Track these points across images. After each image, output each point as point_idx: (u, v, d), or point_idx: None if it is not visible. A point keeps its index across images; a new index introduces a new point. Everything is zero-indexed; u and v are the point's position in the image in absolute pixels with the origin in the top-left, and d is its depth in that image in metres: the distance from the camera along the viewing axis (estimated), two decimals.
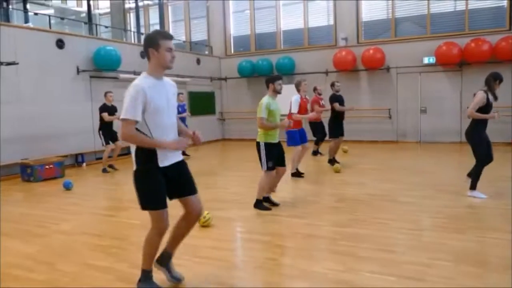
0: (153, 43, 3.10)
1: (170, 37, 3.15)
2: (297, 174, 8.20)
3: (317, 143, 11.21)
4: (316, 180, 8.13)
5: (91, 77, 11.56)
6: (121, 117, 2.97)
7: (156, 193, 3.13)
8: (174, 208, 3.40)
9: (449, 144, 12.90)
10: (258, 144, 5.80)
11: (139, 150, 3.11)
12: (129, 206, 6.54)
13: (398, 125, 13.97)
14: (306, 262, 3.97)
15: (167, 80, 3.30)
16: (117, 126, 9.95)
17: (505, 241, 4.31)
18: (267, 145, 5.74)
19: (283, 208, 5.95)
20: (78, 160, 11.17)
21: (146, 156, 3.10)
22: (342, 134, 9.47)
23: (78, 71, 11.15)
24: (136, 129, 3.02)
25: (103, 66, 11.56)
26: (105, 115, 9.66)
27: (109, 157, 9.97)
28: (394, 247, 4.29)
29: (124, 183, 8.74)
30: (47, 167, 9.11)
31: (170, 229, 3.42)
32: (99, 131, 9.80)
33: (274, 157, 5.76)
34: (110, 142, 9.81)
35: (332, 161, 9.30)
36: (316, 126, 10.76)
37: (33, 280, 3.76)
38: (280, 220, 5.40)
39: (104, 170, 9.80)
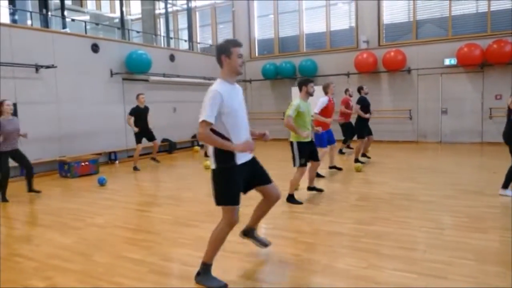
0: (226, 50, 3.34)
1: (240, 45, 3.39)
2: (333, 167, 8.62)
3: (345, 142, 11.30)
4: (338, 179, 8.07)
5: (123, 79, 11.77)
6: (200, 119, 3.16)
7: (233, 191, 3.33)
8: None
9: (470, 144, 12.59)
10: (291, 143, 6.02)
11: (218, 150, 3.28)
12: (162, 202, 6.64)
13: (418, 125, 13.72)
14: (329, 258, 3.95)
15: (237, 85, 3.52)
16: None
17: None
18: (300, 144, 5.96)
19: (307, 206, 5.93)
20: (111, 157, 11.39)
21: (226, 155, 3.28)
22: (370, 133, 9.76)
23: (111, 74, 11.37)
24: (214, 130, 3.22)
25: (134, 69, 11.75)
26: (129, 119, 9.74)
27: (146, 154, 10.26)
28: (416, 245, 4.23)
29: (155, 180, 8.87)
30: (82, 164, 9.33)
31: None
32: (134, 131, 9.87)
33: (306, 154, 6.00)
34: (142, 141, 9.94)
35: (357, 160, 9.33)
36: (347, 127, 10.81)
37: (70, 270, 3.86)
38: (304, 218, 5.39)
39: (135, 168, 9.94)
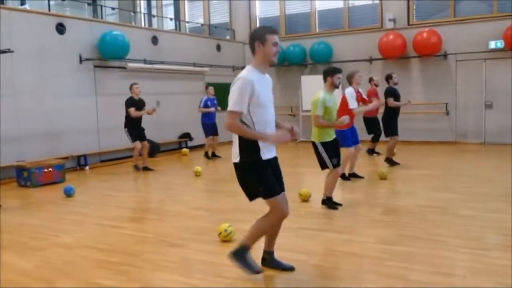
0: (260, 36, 3.69)
1: (276, 32, 3.76)
2: (350, 176, 8.64)
3: (374, 141, 11.41)
4: (358, 188, 8.08)
5: (95, 66, 11.81)
6: (229, 109, 3.57)
7: (269, 181, 3.72)
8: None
9: None
10: (314, 144, 6.26)
11: (243, 143, 3.67)
12: (141, 216, 6.65)
13: (457, 123, 13.73)
14: (346, 285, 3.95)
15: (268, 75, 3.88)
16: (145, 123, 10.49)
17: None
18: (324, 144, 6.20)
19: (319, 221, 5.94)
20: (80, 163, 11.42)
21: (251, 148, 3.67)
22: (397, 133, 9.81)
23: (80, 60, 11.41)
24: (241, 121, 3.61)
25: (109, 54, 11.79)
26: (132, 110, 10.11)
27: (131, 156, 10.65)
28: (453, 269, 4.23)
29: (134, 189, 8.88)
30: (45, 170, 9.35)
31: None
32: (125, 128, 10.22)
33: (336, 153, 6.34)
34: (139, 140, 10.29)
35: (389, 160, 9.49)
36: (373, 123, 10.89)
37: None
38: (315, 235, 5.38)
39: (137, 167, 10.47)
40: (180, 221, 6.29)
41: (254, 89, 3.57)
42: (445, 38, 13.43)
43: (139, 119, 10.31)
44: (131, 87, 10.33)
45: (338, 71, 6.30)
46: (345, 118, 6.31)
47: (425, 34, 13.39)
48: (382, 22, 14.63)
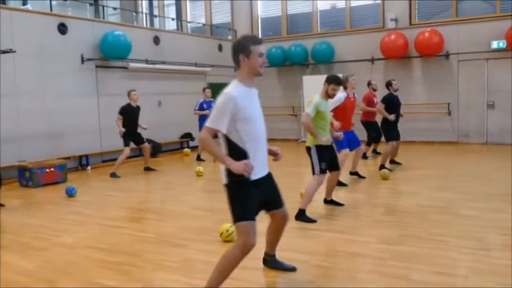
0: (244, 49, 3.47)
1: (260, 42, 3.53)
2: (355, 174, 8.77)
3: (370, 144, 11.24)
4: (360, 188, 8.08)
5: (97, 66, 11.83)
6: (205, 124, 3.40)
7: (247, 204, 3.51)
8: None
9: None
10: (308, 148, 6.11)
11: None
12: (143, 216, 6.66)
13: (459, 122, 13.71)
14: (348, 285, 3.95)
15: (254, 88, 3.66)
16: (146, 123, 10.42)
17: None
18: (319, 148, 6.03)
19: (322, 222, 5.93)
20: (82, 163, 11.44)
21: None
22: (397, 137, 9.64)
23: (82, 60, 11.43)
24: (229, 139, 3.46)
25: (110, 54, 11.80)
26: (118, 119, 9.98)
27: (137, 156, 10.59)
28: (455, 269, 4.23)
29: (135, 189, 8.89)
30: (47, 170, 9.37)
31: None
32: (120, 132, 10.04)
33: (326, 159, 6.07)
34: (131, 144, 10.15)
35: (383, 167, 9.15)
36: (370, 126, 10.79)
37: None
38: (318, 236, 5.39)
39: (113, 175, 10.00)
40: (182, 221, 6.29)
41: (238, 105, 3.36)
42: (447, 38, 13.40)
43: (135, 124, 10.18)
44: (129, 94, 10.20)
45: (338, 82, 6.09)
46: (329, 139, 6.07)
47: (427, 34, 13.37)
48: (384, 22, 14.61)
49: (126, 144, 10.12)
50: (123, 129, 9.97)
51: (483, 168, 9.61)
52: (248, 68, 3.49)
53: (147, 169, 10.68)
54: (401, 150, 11.81)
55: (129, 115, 10.11)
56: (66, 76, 11.06)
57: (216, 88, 12.63)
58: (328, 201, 6.76)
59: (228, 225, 5.20)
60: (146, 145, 10.62)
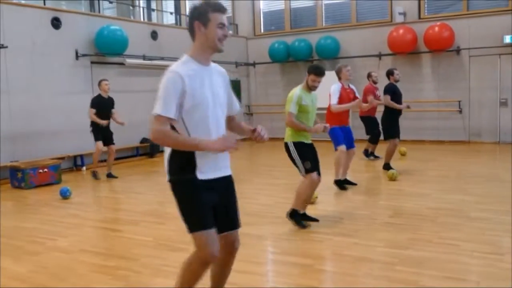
0: (201, 16, 2.95)
1: (223, 10, 3.02)
2: (342, 182, 7.95)
3: (372, 142, 11.07)
4: (366, 189, 8.07)
5: (92, 62, 11.83)
6: (153, 112, 2.87)
7: (200, 209, 3.00)
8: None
9: None
10: (286, 145, 5.84)
11: (173, 155, 2.99)
12: (140, 219, 6.66)
13: (470, 121, 13.69)
14: None
15: (215, 66, 3.17)
16: (113, 126, 9.93)
17: None
18: (298, 144, 5.76)
19: (326, 224, 5.93)
20: (77, 163, 11.45)
21: (181, 163, 2.97)
22: (397, 137, 9.34)
23: (77, 56, 11.44)
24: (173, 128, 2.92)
25: (106, 50, 11.81)
26: (92, 113, 9.49)
27: (102, 160, 9.98)
28: (466, 274, 4.24)
29: (132, 191, 8.90)
30: (40, 171, 9.38)
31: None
32: (90, 127, 9.73)
33: (310, 156, 5.76)
34: (103, 143, 9.73)
35: (388, 166, 9.20)
36: (370, 122, 10.67)
37: None
38: (322, 239, 5.39)
39: (94, 175, 9.85)
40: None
41: (185, 86, 2.86)
42: (457, 33, 13.38)
43: (106, 120, 9.62)
44: (99, 84, 9.71)
45: (317, 73, 5.73)
46: (320, 127, 5.81)
47: (437, 28, 13.35)
48: (391, 15, 14.59)
49: (97, 138, 9.65)
50: (104, 122, 9.47)
51: (496, 169, 9.60)
52: (204, 40, 2.97)
53: (110, 176, 9.98)
54: (409, 149, 11.81)
55: (100, 108, 9.58)
56: (60, 72, 11.07)
57: None
58: (303, 215, 5.97)
59: None
60: (114, 147, 9.98)
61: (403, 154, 11.35)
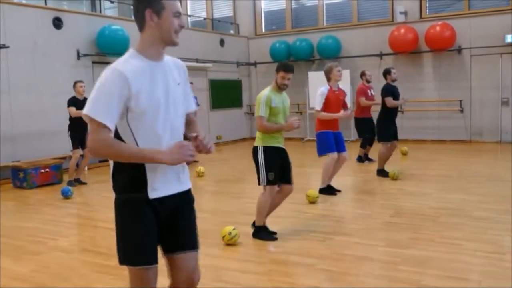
0: (154, 3, 2.44)
1: None
2: (328, 190, 7.51)
3: (364, 146, 10.61)
4: (367, 189, 8.07)
5: (93, 62, 11.85)
6: (87, 114, 2.34)
7: (142, 241, 2.51)
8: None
9: None
10: (255, 149, 5.36)
11: (118, 170, 2.52)
12: None
13: (472, 120, 13.68)
14: None
15: (170, 59, 2.66)
16: None
17: None
18: (268, 150, 5.29)
19: (327, 224, 5.94)
20: (78, 163, 11.42)
21: (130, 180, 2.48)
22: (395, 138, 9.03)
23: (78, 56, 11.44)
24: (118, 136, 2.43)
25: (108, 50, 11.81)
26: (72, 109, 9.02)
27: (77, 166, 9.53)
28: (468, 274, 4.23)
29: None
30: (42, 171, 9.39)
31: None
32: (68, 131, 9.35)
33: (277, 166, 5.30)
34: (80, 147, 9.31)
35: (382, 171, 8.87)
36: (364, 123, 10.26)
37: None
38: (323, 239, 5.38)
39: (70, 183, 9.21)
40: None
41: (129, 87, 2.34)
42: (459, 32, 13.37)
43: (84, 124, 8.89)
44: (74, 85, 9.30)
45: (286, 69, 5.25)
46: (295, 122, 5.21)
47: (438, 28, 13.34)
48: (393, 15, 14.58)
49: (74, 146, 9.18)
50: (75, 112, 8.83)
51: (497, 168, 9.58)
52: (158, 31, 2.48)
53: (77, 181, 9.47)
54: (410, 149, 11.80)
55: (73, 108, 9.10)
56: (61, 72, 11.07)
57: (216, 85, 12.69)
58: (260, 226, 5.51)
59: (230, 228, 5.21)
60: (87, 153, 9.09)
61: (404, 154, 11.38)
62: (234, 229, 5.19)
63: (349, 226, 5.84)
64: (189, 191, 2.66)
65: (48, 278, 4.49)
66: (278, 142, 5.37)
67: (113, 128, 2.35)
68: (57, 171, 9.64)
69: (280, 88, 5.34)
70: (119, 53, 12.07)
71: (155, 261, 2.53)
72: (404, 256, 4.70)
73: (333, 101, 7.28)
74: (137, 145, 2.42)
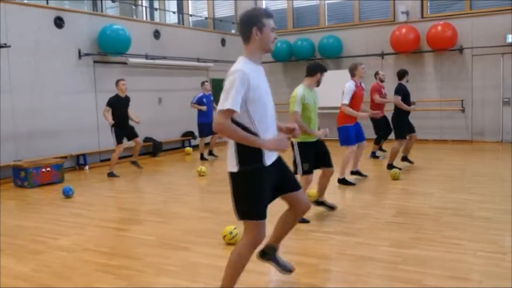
0: (258, 22, 3.34)
1: (273, 16, 3.45)
2: (345, 181, 8.12)
3: (379, 142, 11.18)
4: (369, 188, 8.07)
5: (95, 62, 11.85)
6: (220, 107, 3.18)
7: (261, 201, 3.38)
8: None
9: None
10: (291, 144, 5.95)
11: (242, 146, 3.29)
12: (143, 218, 6.67)
13: (473, 120, 13.68)
14: None
15: (261, 65, 3.57)
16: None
17: None
18: (303, 144, 5.91)
19: (329, 223, 5.94)
20: (79, 162, 11.46)
21: (252, 153, 3.30)
22: (413, 131, 9.67)
23: (80, 55, 11.45)
24: (235, 121, 3.26)
25: (109, 49, 11.82)
26: (107, 112, 9.80)
27: (128, 156, 10.62)
28: (469, 274, 4.23)
29: (135, 190, 8.90)
30: (43, 170, 9.40)
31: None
32: (111, 128, 9.96)
33: (311, 158, 5.96)
34: (124, 141, 10.06)
35: (391, 166, 9.17)
36: (379, 120, 10.62)
37: None
38: (325, 238, 5.39)
39: (111, 174, 10.02)
40: (184, 223, 6.30)
41: (250, 83, 3.24)
42: (460, 32, 13.36)
43: (126, 117, 10.03)
44: (117, 83, 10.00)
45: (326, 70, 6.08)
46: (323, 132, 5.93)
47: (439, 28, 13.33)
48: (394, 15, 14.57)
49: (119, 141, 9.97)
50: (111, 121, 9.80)
51: (499, 168, 9.57)
52: (260, 43, 3.39)
53: (134, 163, 10.60)
54: (413, 149, 11.78)
55: (118, 107, 9.91)
56: (62, 72, 11.09)
57: (218, 84, 12.60)
58: (319, 203, 6.42)
59: (231, 227, 5.21)
60: (139, 140, 10.43)
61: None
62: (235, 228, 5.19)
63: (351, 225, 5.83)
64: (280, 157, 3.62)
65: (49, 278, 4.49)
66: (312, 137, 5.94)
67: (238, 112, 3.20)
68: (58, 171, 9.65)
69: (317, 86, 6.04)
70: (121, 52, 12.26)
71: (266, 216, 3.43)
72: (405, 255, 4.69)
73: (358, 97, 7.99)
74: (255, 126, 3.31)
